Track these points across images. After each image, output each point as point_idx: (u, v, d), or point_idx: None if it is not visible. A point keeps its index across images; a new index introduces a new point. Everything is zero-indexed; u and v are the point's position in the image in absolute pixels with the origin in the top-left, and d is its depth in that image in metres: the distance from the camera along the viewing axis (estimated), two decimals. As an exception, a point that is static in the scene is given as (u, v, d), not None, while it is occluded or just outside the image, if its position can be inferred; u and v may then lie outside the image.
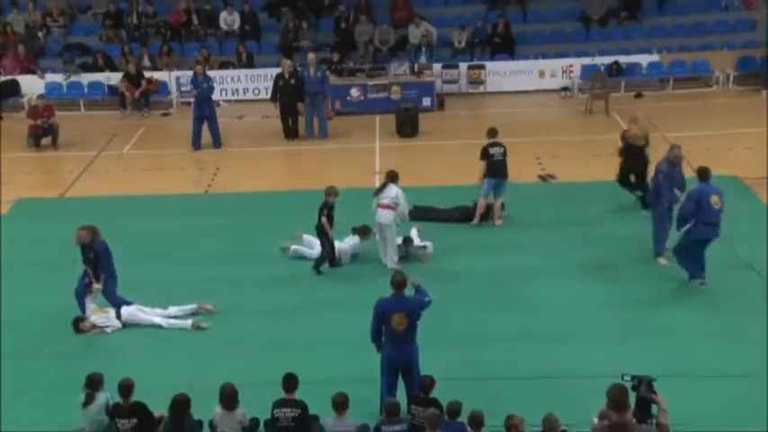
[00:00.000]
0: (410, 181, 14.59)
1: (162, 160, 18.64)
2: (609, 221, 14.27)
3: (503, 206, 14.32)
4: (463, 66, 22.73)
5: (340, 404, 8.64)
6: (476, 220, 14.26)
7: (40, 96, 20.42)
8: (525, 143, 17.59)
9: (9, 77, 22.53)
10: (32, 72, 22.88)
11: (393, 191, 12.64)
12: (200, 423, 8.86)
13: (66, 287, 11.61)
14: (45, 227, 14.44)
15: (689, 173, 12.82)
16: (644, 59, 22.74)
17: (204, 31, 24.03)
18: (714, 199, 11.48)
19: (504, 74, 22.82)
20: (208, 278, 12.53)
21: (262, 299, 12.11)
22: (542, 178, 16.51)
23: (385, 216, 12.66)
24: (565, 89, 22.59)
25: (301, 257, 13.15)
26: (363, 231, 13.22)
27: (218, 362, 10.40)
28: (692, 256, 11.87)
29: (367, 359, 9.39)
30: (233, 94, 22.75)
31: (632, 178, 14.57)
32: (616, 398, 6.69)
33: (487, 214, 14.34)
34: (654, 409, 7.61)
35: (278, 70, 19.86)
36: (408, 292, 9.30)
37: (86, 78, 22.71)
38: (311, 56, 19.88)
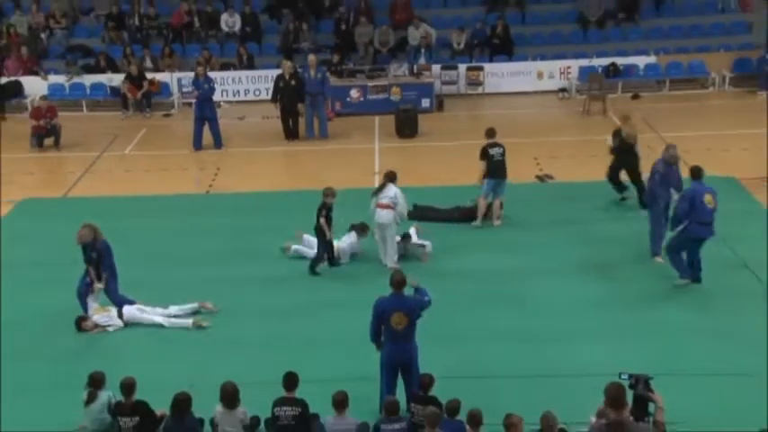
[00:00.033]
0: (410, 181, 14.67)
1: (163, 161, 18.68)
2: (606, 221, 14.31)
3: (501, 206, 14.34)
4: (462, 67, 22.86)
5: (340, 403, 8.65)
6: (478, 221, 14.30)
7: (43, 97, 20.51)
8: (523, 144, 17.61)
9: (12, 79, 22.64)
10: (35, 73, 23.01)
11: (392, 191, 12.67)
12: (201, 421, 8.86)
13: (69, 287, 11.63)
14: (48, 227, 14.46)
15: (685, 173, 12.88)
16: (641, 61, 22.87)
17: (205, 33, 24.11)
18: (707, 198, 11.53)
19: (502, 75, 22.94)
20: (209, 278, 12.55)
21: (262, 298, 12.13)
22: (540, 178, 16.57)
23: (384, 216, 12.68)
24: (563, 90, 22.70)
25: (301, 257, 13.13)
26: (361, 228, 13.25)
27: (219, 361, 10.42)
28: (688, 254, 11.92)
29: (367, 358, 9.41)
30: (234, 95, 22.86)
31: (624, 176, 14.72)
32: (613, 396, 6.69)
33: (486, 214, 14.35)
34: (651, 407, 7.66)
35: (278, 71, 19.90)
36: (408, 292, 9.33)
37: (89, 80, 22.84)
38: (311, 57, 19.95)
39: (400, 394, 9.12)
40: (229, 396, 8.66)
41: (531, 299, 11.88)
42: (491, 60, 23.25)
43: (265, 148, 19.45)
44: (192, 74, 20.29)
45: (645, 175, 13.91)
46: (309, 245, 13.21)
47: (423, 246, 13.26)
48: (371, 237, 13.21)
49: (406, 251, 13.21)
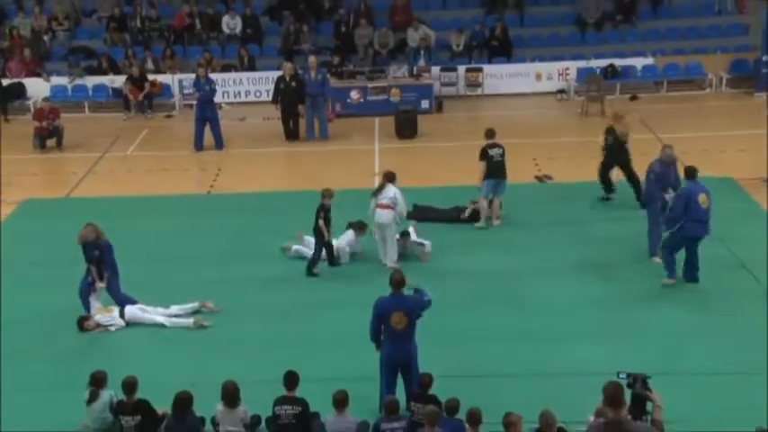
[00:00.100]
0: (409, 182, 14.74)
1: (165, 161, 18.73)
2: (605, 221, 14.36)
3: (500, 206, 14.37)
4: (461, 68, 22.94)
5: (340, 401, 8.67)
6: (481, 222, 14.33)
7: (46, 99, 20.59)
8: (522, 145, 17.60)
9: (15, 80, 22.70)
10: (38, 75, 23.07)
11: (391, 191, 12.72)
12: (202, 420, 8.88)
13: (71, 287, 11.66)
14: (50, 227, 14.49)
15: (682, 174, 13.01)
16: (639, 62, 22.94)
17: (207, 35, 24.16)
18: (702, 197, 11.62)
19: (501, 77, 23.01)
20: (210, 278, 12.59)
21: (263, 298, 12.16)
22: (539, 179, 16.62)
23: (384, 216, 12.71)
24: (561, 92, 22.76)
25: (302, 257, 13.13)
26: (359, 226, 13.27)
27: (220, 360, 10.46)
28: (686, 254, 11.98)
29: (366, 358, 9.42)
30: (235, 96, 22.92)
31: (616, 173, 14.88)
32: (612, 395, 6.60)
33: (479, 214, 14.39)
34: (649, 406, 7.69)
35: (279, 73, 19.99)
36: (407, 292, 9.33)
37: (91, 81, 22.90)
38: (312, 59, 20.03)
39: (400, 394, 9.14)
40: (230, 395, 8.70)
41: (531, 298, 11.92)
42: (490, 62, 23.33)
43: (266, 148, 19.51)
44: (193, 75, 20.32)
45: (641, 176, 14.04)
46: (309, 245, 13.20)
47: (422, 244, 13.29)
48: (371, 237, 13.22)
49: (406, 249, 13.23)
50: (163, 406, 8.87)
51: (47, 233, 14.35)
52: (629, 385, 7.67)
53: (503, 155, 14.11)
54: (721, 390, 9.59)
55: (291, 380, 8.80)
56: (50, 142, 19.72)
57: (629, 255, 13.02)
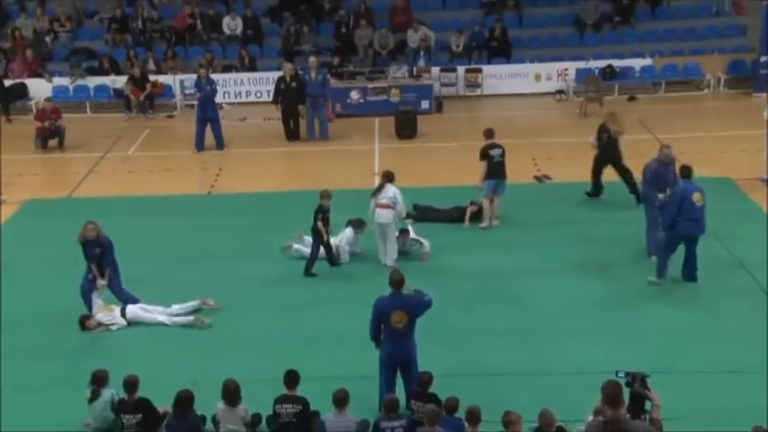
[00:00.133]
0: (409, 182, 14.79)
1: (166, 161, 18.77)
2: (604, 221, 14.39)
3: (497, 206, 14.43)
4: (461, 69, 23.00)
5: (340, 400, 8.68)
6: (485, 223, 14.36)
7: (48, 99, 20.62)
8: (521, 145, 17.60)
9: (17, 81, 22.75)
10: (40, 76, 23.13)
11: (391, 191, 12.76)
12: (203, 418, 8.91)
13: (73, 286, 11.70)
14: (52, 227, 14.51)
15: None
16: (637, 63, 23.01)
17: (208, 36, 24.21)
18: (696, 196, 11.68)
19: (500, 77, 23.08)
20: (211, 277, 12.63)
21: (264, 297, 12.20)
22: (538, 179, 16.67)
23: (385, 215, 12.74)
24: (560, 92, 22.83)
25: (302, 257, 13.11)
26: (358, 224, 13.28)
27: (220, 359, 10.49)
28: (685, 254, 12.04)
29: (367, 356, 9.45)
30: (236, 96, 22.98)
31: (608, 169, 15.06)
32: (610, 394, 6.59)
33: (480, 215, 14.46)
34: (647, 404, 7.69)
35: (280, 74, 20.04)
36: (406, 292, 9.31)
37: (92, 82, 22.95)
38: (312, 59, 20.10)
39: (399, 393, 9.15)
40: (231, 393, 8.73)
41: (530, 298, 11.96)
42: (489, 63, 23.41)
43: (267, 149, 19.57)
44: (194, 76, 20.41)
45: (636, 175, 14.10)
46: (309, 245, 13.19)
47: (420, 242, 13.31)
48: (371, 237, 13.24)
49: (405, 245, 13.26)
50: (164, 404, 8.91)
51: (49, 233, 14.38)
52: (627, 384, 7.69)
53: (503, 155, 14.16)
54: (719, 388, 9.63)
55: (292, 379, 8.83)
56: (52, 142, 19.75)
57: (629, 254, 13.07)
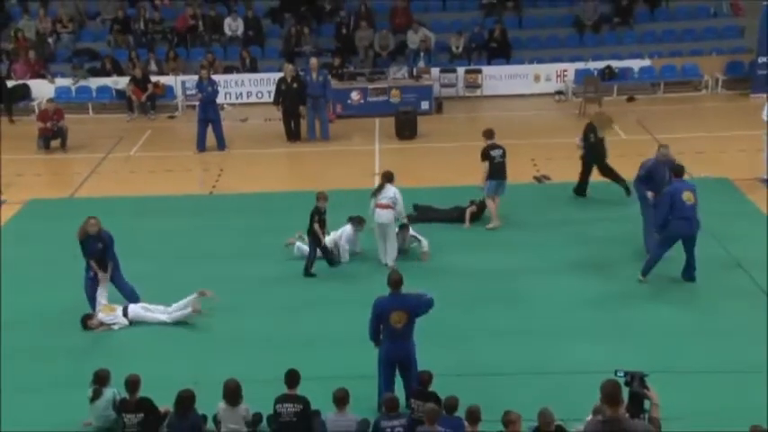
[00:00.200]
0: (409, 182, 14.86)
1: (168, 162, 18.81)
2: (602, 221, 14.39)
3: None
4: (460, 70, 23.06)
5: (341, 399, 8.70)
6: (493, 223, 14.37)
7: (50, 100, 20.67)
8: (521, 145, 17.61)
9: (20, 82, 22.82)
10: (42, 77, 23.19)
11: (390, 191, 12.77)
12: (204, 418, 8.92)
13: (75, 285, 11.73)
14: (54, 227, 14.47)
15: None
16: (636, 64, 23.06)
17: (209, 37, 24.29)
18: (687, 195, 11.68)
19: (500, 78, 23.13)
20: (211, 277, 12.52)
21: (264, 297, 12.23)
22: (537, 179, 16.73)
23: (385, 215, 12.76)
24: (559, 93, 22.89)
25: (303, 256, 13.10)
26: (357, 221, 13.29)
27: (221, 359, 10.52)
28: (685, 254, 12.07)
29: (367, 356, 9.47)
30: (237, 97, 23.04)
31: (595, 170, 15.18)
32: (609, 393, 6.56)
33: (480, 215, 14.56)
34: (646, 404, 7.70)
35: (280, 74, 20.09)
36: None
37: (95, 83, 23.00)
38: (313, 60, 20.15)
39: (399, 392, 9.18)
40: (232, 393, 8.75)
41: (530, 297, 12.00)
42: (489, 63, 23.47)
43: (267, 149, 19.61)
44: (195, 77, 20.51)
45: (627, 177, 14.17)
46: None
47: (419, 240, 13.34)
48: (371, 236, 13.26)
49: (405, 241, 13.27)
50: (165, 404, 8.93)
51: (51, 233, 14.40)
52: (626, 383, 7.70)
53: (504, 156, 14.21)
54: (719, 388, 9.67)
55: (292, 378, 8.86)
56: (54, 143, 19.81)
57: (628, 254, 13.08)
